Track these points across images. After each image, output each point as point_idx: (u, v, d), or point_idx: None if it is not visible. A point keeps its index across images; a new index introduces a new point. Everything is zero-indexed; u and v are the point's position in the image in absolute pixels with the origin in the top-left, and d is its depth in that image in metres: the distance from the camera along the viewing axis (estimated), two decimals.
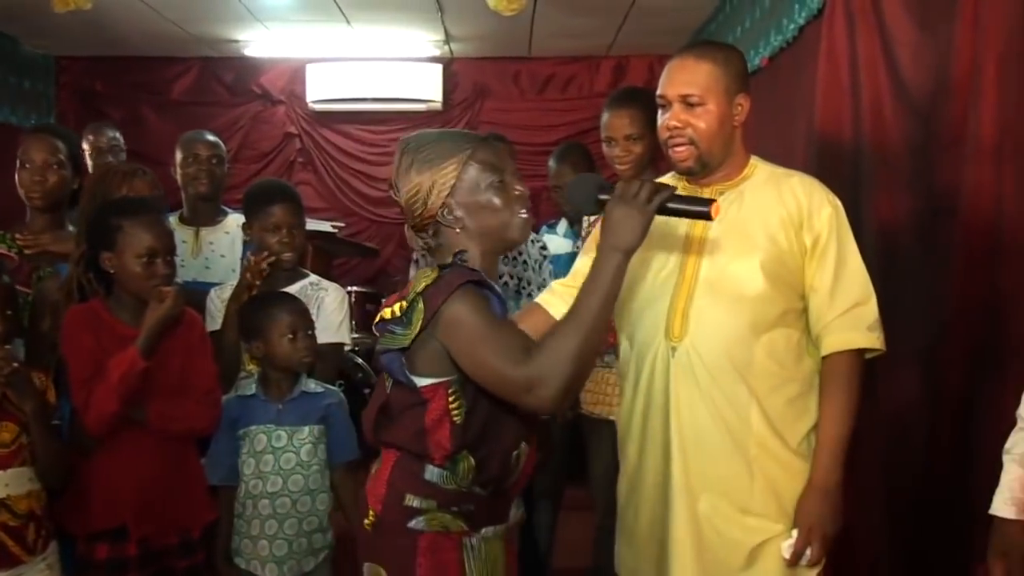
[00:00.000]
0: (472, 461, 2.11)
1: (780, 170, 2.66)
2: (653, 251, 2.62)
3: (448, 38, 7.34)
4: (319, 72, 7.81)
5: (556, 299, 2.71)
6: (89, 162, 5.04)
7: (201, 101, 8.04)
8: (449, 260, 2.17)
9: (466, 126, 7.94)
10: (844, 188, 3.24)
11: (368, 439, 2.27)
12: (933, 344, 3.11)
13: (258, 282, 3.36)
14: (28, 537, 2.76)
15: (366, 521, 2.20)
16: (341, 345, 3.56)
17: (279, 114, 8.14)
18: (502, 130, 6.94)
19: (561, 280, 2.83)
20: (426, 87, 7.83)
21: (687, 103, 2.54)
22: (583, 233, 3.82)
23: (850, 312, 2.51)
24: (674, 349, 2.53)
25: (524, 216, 2.20)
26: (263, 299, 3.25)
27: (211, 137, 4.33)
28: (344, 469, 3.19)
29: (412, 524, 2.13)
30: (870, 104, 3.59)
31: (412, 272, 4.61)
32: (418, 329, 2.07)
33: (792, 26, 4.59)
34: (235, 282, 3.47)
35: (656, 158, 3.41)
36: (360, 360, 6.58)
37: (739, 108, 2.57)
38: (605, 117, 3.70)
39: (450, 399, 2.09)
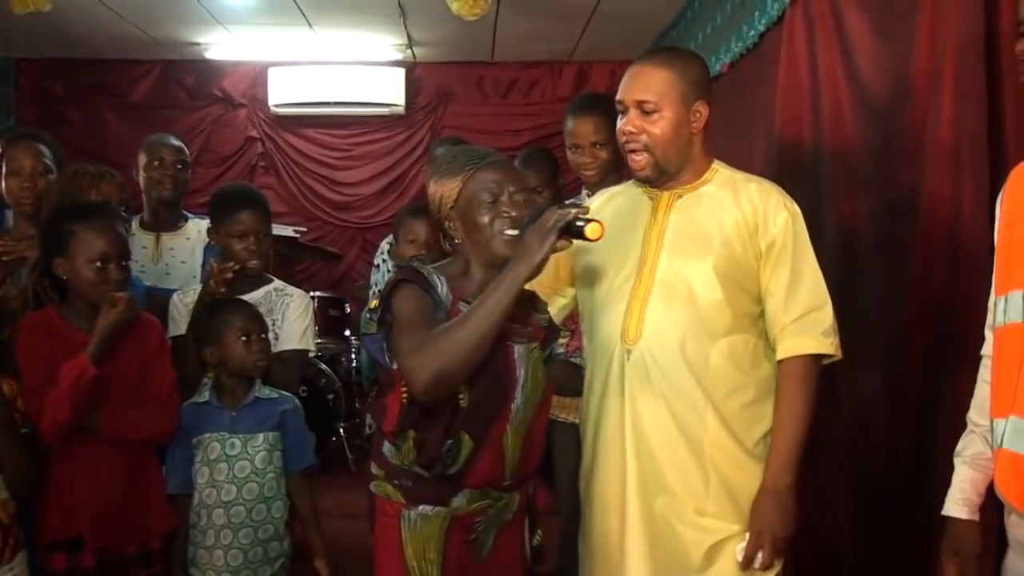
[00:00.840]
0: (412, 443, 2.36)
1: (740, 175, 2.67)
2: (614, 253, 2.64)
3: (411, 42, 7.33)
4: (281, 76, 7.78)
5: None
6: None
7: (162, 104, 7.98)
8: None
9: (429, 131, 7.96)
10: (805, 191, 3.27)
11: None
12: (892, 345, 3.14)
13: (222, 289, 3.31)
14: None
15: None
16: (306, 352, 3.52)
17: (241, 118, 8.10)
18: (465, 135, 6.94)
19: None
20: (389, 91, 7.82)
21: (643, 110, 2.56)
22: None
23: (805, 317, 2.52)
24: (629, 352, 2.55)
25: (508, 235, 2.39)
26: (216, 305, 3.23)
27: (176, 141, 4.28)
28: (299, 476, 3.16)
29: (371, 487, 2.50)
30: (830, 109, 3.62)
31: (373, 277, 4.62)
32: (377, 318, 2.38)
33: (753, 32, 4.61)
34: (198, 287, 3.44)
35: (621, 164, 3.42)
36: (323, 366, 6.56)
37: (697, 115, 2.58)
38: (570, 124, 3.70)
39: (402, 382, 2.35)
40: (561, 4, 6.21)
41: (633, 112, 2.58)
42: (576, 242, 2.75)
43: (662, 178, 2.62)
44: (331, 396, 6.44)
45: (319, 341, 6.54)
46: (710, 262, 2.53)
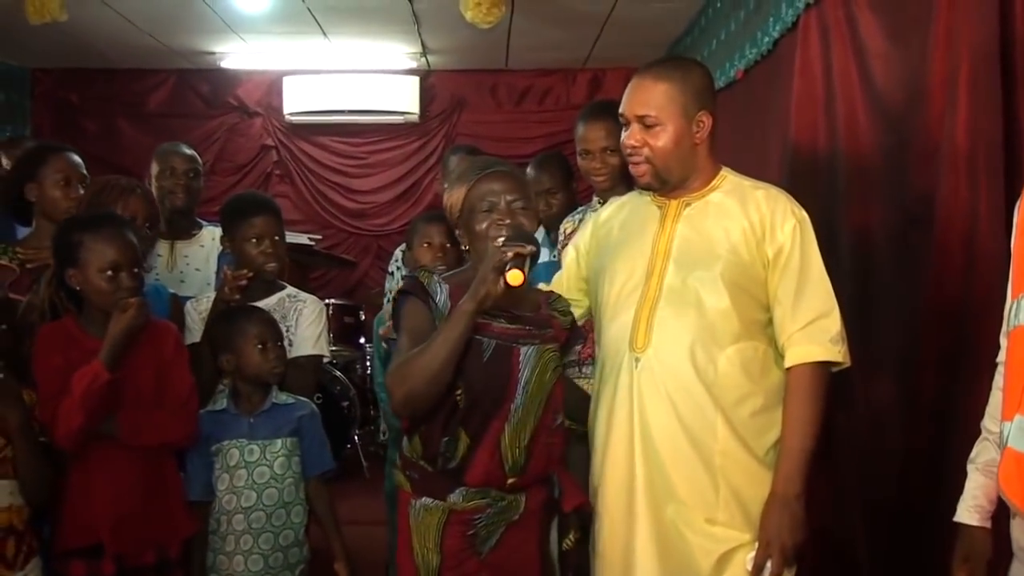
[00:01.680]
0: (419, 437, 2.50)
1: (748, 182, 2.67)
2: (622, 261, 2.66)
3: (425, 50, 7.35)
4: (296, 84, 7.81)
5: None
6: None
7: (177, 113, 8.02)
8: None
9: (443, 138, 7.97)
10: (819, 199, 3.27)
11: None
12: (907, 352, 3.13)
13: (236, 296, 3.32)
14: (7, 552, 2.71)
15: None
16: (319, 358, 3.53)
17: (256, 126, 8.13)
18: (479, 142, 6.96)
19: (544, 284, 2.90)
20: (403, 99, 7.84)
21: (644, 123, 2.58)
22: (559, 243, 3.82)
23: (812, 325, 2.52)
24: (637, 360, 2.56)
25: (501, 243, 2.42)
26: (232, 312, 3.24)
27: (188, 150, 4.30)
28: (318, 481, 3.17)
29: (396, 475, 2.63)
30: (844, 116, 3.61)
31: (387, 285, 4.63)
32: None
33: (767, 39, 4.61)
34: (212, 294, 3.45)
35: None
36: (338, 372, 6.57)
37: (700, 125, 2.59)
38: (581, 130, 3.70)
39: None
40: (575, 12, 6.21)
41: (635, 126, 2.60)
42: (588, 250, 2.77)
43: (664, 187, 2.64)
44: (346, 403, 6.45)
45: (334, 348, 6.56)
46: (717, 270, 2.54)
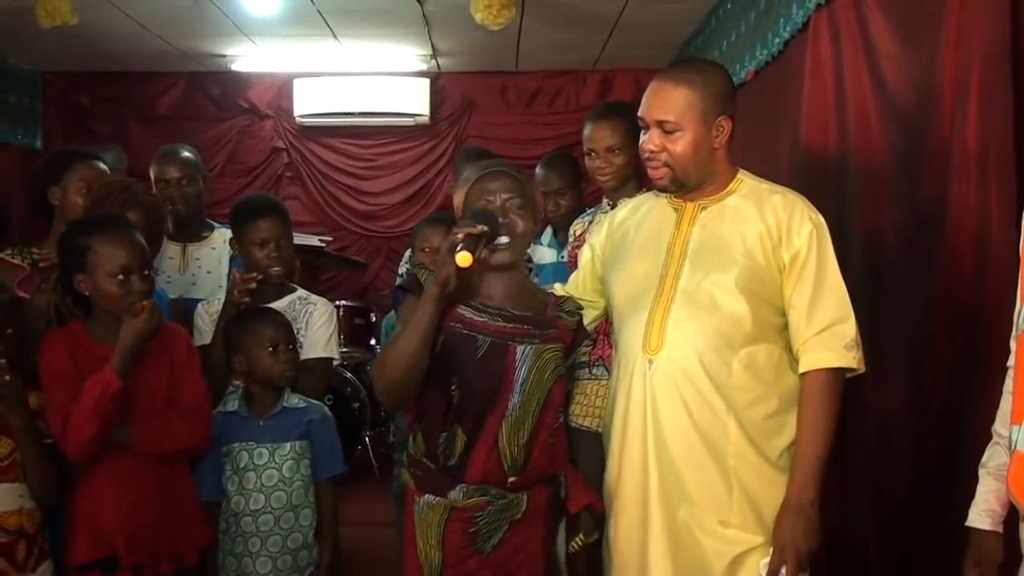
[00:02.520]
0: (421, 434, 2.54)
1: (765, 186, 2.66)
2: (637, 263, 2.67)
3: (435, 52, 7.34)
4: (307, 86, 7.81)
5: None
6: None
7: (188, 116, 8.02)
8: None
9: (454, 140, 7.96)
10: (830, 200, 3.26)
11: None
12: (918, 355, 3.12)
13: (246, 300, 3.32)
14: (18, 555, 2.70)
15: None
16: (330, 360, 3.54)
17: (266, 128, 8.13)
18: (489, 144, 6.96)
19: (560, 284, 2.95)
20: (413, 101, 7.83)
21: (663, 129, 2.57)
22: (570, 244, 3.82)
23: (827, 331, 2.52)
24: (651, 361, 2.55)
25: (497, 241, 2.47)
26: (245, 314, 3.24)
27: (182, 154, 4.23)
28: (326, 484, 3.17)
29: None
30: (855, 117, 3.60)
31: None
32: None
33: (777, 40, 4.59)
34: (223, 296, 3.45)
35: (641, 171, 3.42)
36: (349, 374, 6.57)
37: (719, 130, 2.59)
38: (587, 130, 3.71)
39: None
40: (585, 13, 6.20)
41: (654, 131, 2.60)
42: (604, 250, 2.76)
43: (682, 190, 2.64)
44: (356, 405, 6.46)
45: (344, 350, 6.56)
46: (733, 274, 2.54)
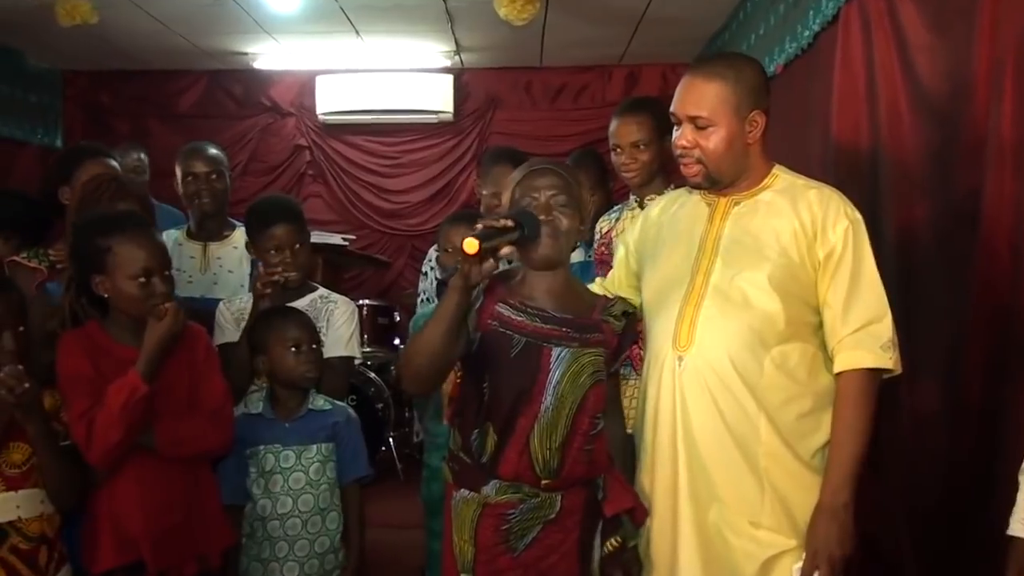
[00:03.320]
0: (457, 430, 2.57)
1: (801, 181, 2.61)
2: (669, 259, 2.63)
3: (459, 48, 7.31)
4: (329, 84, 7.80)
5: None
6: None
7: (209, 114, 8.02)
8: None
9: (478, 137, 7.94)
10: (862, 196, 3.20)
11: None
12: (953, 354, 3.06)
13: (268, 291, 3.30)
14: (40, 560, 2.66)
15: None
16: (351, 359, 3.53)
17: (289, 126, 8.12)
18: (514, 140, 6.93)
19: (600, 280, 2.96)
20: (437, 98, 7.80)
21: (696, 124, 2.53)
22: (595, 242, 3.79)
23: (863, 330, 2.46)
24: (681, 358, 2.51)
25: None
26: (268, 313, 3.23)
27: (210, 151, 4.24)
28: (352, 486, 3.15)
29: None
30: (887, 110, 3.55)
31: (421, 285, 4.60)
32: None
33: (807, 33, 4.56)
34: (245, 295, 3.44)
35: (668, 167, 3.39)
36: (372, 374, 6.54)
37: (753, 125, 2.54)
38: (612, 125, 3.70)
39: (456, 371, 2.64)
40: (610, 8, 6.16)
41: (687, 126, 2.55)
42: (638, 247, 2.72)
43: (715, 186, 2.60)
44: (380, 405, 6.43)
45: (368, 350, 6.54)
46: (766, 271, 2.48)
